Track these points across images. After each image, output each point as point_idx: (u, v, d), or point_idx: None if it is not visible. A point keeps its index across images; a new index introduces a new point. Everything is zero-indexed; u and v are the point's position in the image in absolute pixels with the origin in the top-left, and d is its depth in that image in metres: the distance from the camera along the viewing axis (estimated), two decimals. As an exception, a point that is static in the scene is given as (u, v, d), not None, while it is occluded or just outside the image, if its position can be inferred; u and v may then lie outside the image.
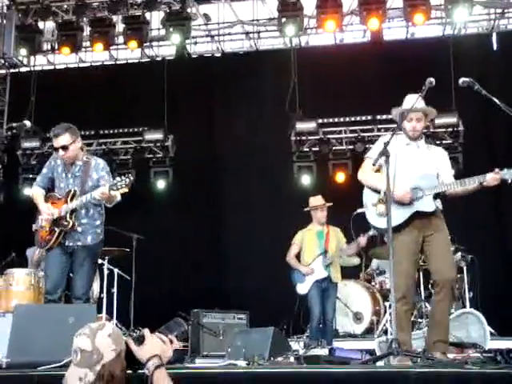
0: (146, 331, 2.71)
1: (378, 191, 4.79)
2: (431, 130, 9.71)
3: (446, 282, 4.67)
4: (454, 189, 4.68)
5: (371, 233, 7.50)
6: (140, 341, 2.66)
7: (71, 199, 5.20)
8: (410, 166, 4.79)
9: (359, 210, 5.09)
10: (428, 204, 4.68)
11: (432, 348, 4.54)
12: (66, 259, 5.26)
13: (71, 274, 5.38)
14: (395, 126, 5.05)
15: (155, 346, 2.66)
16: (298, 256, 7.69)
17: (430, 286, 8.33)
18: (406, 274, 4.63)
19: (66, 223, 5.17)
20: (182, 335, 2.87)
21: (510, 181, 4.47)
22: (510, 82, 9.14)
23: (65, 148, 5.21)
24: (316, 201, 7.74)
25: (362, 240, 7.43)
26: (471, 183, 4.61)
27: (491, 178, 4.51)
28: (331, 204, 7.71)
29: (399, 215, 4.64)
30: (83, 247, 5.24)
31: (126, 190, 5.04)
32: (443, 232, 4.79)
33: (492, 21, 10.88)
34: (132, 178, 5.03)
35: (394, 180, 4.39)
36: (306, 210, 7.75)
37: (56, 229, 5.20)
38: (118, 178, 5.04)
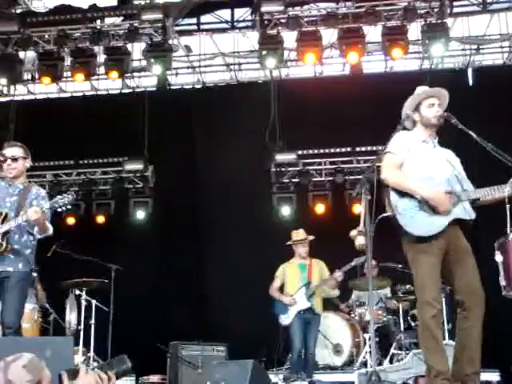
0: (82, 368, 2.64)
1: (406, 194, 4.17)
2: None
3: (478, 303, 4.13)
4: (491, 195, 4.20)
5: (349, 266, 7.53)
6: (74, 375, 2.59)
7: (2, 221, 5.00)
8: (433, 166, 4.30)
9: (385, 214, 4.33)
10: (468, 211, 4.18)
11: (465, 381, 4.07)
12: None
13: None
14: (374, 157, 4.96)
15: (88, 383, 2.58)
16: (281, 289, 7.68)
17: (409, 317, 8.36)
18: (435, 280, 4.14)
19: None
20: (122, 373, 2.78)
21: None
22: (485, 117, 9.31)
23: (15, 159, 5.18)
24: (297, 235, 7.74)
25: (338, 276, 7.47)
26: (500, 191, 4.17)
27: None
28: (313, 238, 7.72)
29: (435, 223, 4.11)
30: (13, 273, 4.98)
31: (69, 207, 4.94)
32: (467, 245, 4.28)
33: (467, 56, 11.14)
34: (74, 196, 4.95)
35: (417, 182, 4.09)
36: (287, 244, 7.76)
37: None
38: (59, 196, 4.94)
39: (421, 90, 4.54)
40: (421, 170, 4.28)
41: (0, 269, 4.97)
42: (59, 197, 4.93)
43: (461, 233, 4.29)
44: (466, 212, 4.21)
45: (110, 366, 2.71)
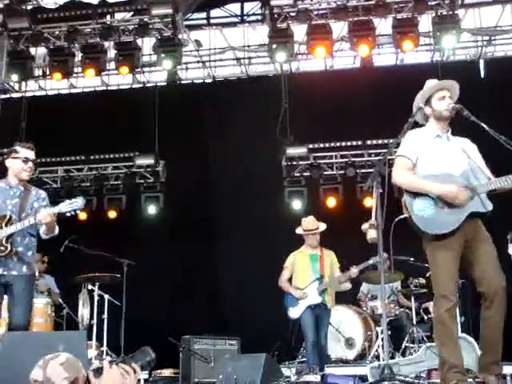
0: (106, 363, 2.67)
1: (420, 194, 4.21)
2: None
3: (498, 292, 4.11)
4: (506, 185, 4.16)
5: (366, 264, 7.47)
6: (99, 373, 2.62)
7: (6, 224, 4.95)
8: (449, 161, 4.31)
9: (402, 216, 4.40)
10: (483, 203, 4.18)
11: (486, 370, 4.15)
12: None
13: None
14: (385, 150, 4.93)
15: (114, 378, 2.61)
16: (290, 280, 7.62)
17: (421, 310, 8.34)
18: (452, 275, 4.16)
19: (2, 248, 4.90)
20: (147, 365, 2.80)
21: None
22: (497, 109, 9.23)
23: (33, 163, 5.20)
24: (307, 224, 7.61)
25: (354, 273, 7.41)
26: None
27: None
28: (325, 227, 7.63)
29: (451, 220, 4.14)
30: (20, 277, 4.98)
31: (78, 211, 4.91)
32: (487, 235, 4.28)
33: (479, 48, 11.06)
34: (83, 201, 4.91)
35: (430, 180, 4.12)
36: (297, 232, 7.67)
37: None
38: (68, 201, 4.90)
39: (430, 83, 4.52)
40: (437, 166, 4.29)
41: (5, 272, 4.96)
42: (68, 201, 4.89)
43: (480, 224, 4.29)
44: (482, 205, 4.20)
45: (134, 358, 2.75)
